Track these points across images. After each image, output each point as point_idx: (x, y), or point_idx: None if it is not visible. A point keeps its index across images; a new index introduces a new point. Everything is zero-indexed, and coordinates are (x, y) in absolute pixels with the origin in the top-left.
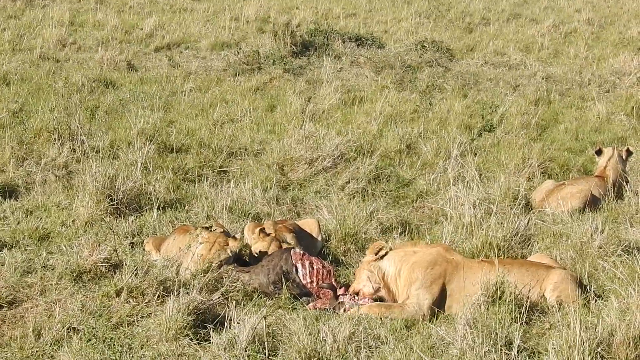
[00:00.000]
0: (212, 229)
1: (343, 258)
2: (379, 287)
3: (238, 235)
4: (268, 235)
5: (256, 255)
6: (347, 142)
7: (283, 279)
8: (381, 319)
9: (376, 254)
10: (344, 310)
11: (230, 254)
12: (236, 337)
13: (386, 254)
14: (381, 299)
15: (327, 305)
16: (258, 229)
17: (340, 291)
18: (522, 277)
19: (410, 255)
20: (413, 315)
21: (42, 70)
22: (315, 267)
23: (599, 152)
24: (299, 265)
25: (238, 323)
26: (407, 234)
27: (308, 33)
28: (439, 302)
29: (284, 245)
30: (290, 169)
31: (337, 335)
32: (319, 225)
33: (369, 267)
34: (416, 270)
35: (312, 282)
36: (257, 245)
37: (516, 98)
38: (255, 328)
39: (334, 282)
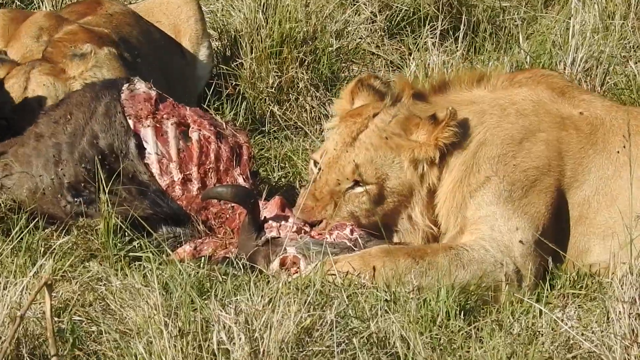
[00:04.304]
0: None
1: (276, 110)
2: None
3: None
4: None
5: None
6: None
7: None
8: (389, 286)
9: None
10: (283, 266)
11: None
12: None
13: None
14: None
15: (231, 249)
16: None
17: (270, 205)
18: None
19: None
20: (485, 269)
21: None
22: (197, 137)
23: None
24: (148, 133)
25: None
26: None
27: None
28: (552, 236)
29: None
30: None
31: (270, 336)
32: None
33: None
34: (483, 162)
35: (186, 179)
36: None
37: None
38: None
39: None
